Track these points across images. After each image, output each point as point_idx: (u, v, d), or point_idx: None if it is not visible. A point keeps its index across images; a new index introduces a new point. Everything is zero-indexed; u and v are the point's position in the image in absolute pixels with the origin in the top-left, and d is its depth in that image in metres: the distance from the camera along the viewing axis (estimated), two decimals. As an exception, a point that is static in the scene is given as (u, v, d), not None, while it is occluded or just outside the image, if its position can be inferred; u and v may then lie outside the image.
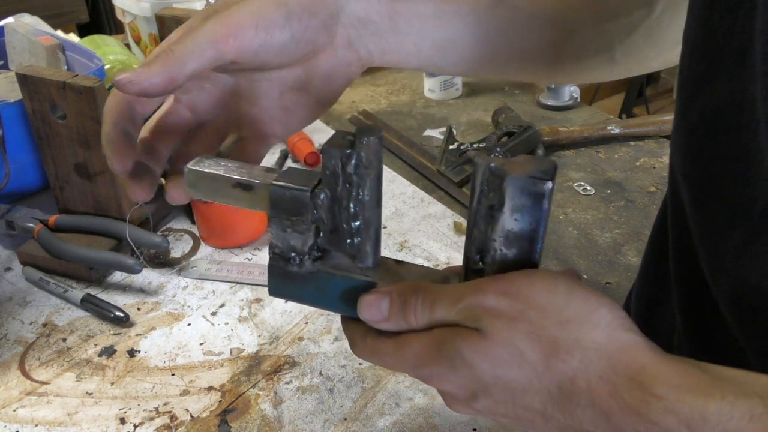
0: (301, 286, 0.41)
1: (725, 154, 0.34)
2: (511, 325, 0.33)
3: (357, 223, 0.38)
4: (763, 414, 0.28)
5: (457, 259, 0.83)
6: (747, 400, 0.29)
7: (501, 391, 0.34)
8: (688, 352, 0.43)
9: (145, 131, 0.46)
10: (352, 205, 0.37)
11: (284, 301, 0.78)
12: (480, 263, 0.36)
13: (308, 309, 0.77)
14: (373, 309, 0.37)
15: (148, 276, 0.83)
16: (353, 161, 0.36)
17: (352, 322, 0.41)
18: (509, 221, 0.35)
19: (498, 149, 0.35)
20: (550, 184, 0.33)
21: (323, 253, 0.41)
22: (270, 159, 1.06)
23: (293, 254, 0.40)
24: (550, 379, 0.33)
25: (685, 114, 0.37)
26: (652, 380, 0.30)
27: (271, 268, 0.41)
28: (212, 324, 0.76)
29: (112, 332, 0.75)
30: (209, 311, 0.78)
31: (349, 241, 0.39)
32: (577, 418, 0.32)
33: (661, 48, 0.49)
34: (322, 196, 0.38)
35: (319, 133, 1.12)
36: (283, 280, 0.41)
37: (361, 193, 0.37)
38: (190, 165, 0.42)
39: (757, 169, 0.32)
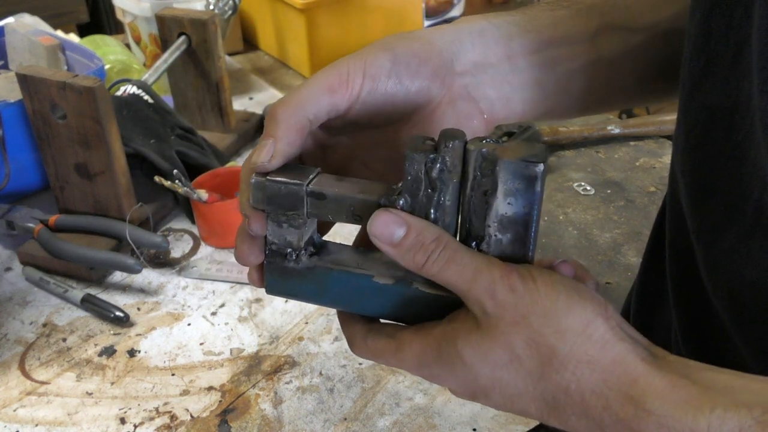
0: (299, 283, 0.41)
1: (721, 151, 0.34)
2: (512, 329, 0.33)
3: None
4: (752, 426, 0.29)
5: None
6: (736, 412, 0.29)
7: (499, 394, 0.34)
8: (685, 350, 0.43)
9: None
10: (432, 210, 0.37)
11: (284, 300, 0.78)
12: (476, 250, 0.37)
13: (308, 309, 0.77)
14: (387, 228, 0.36)
15: (148, 276, 0.83)
16: (438, 165, 0.36)
17: (351, 321, 0.40)
18: (503, 205, 0.35)
19: (489, 137, 0.35)
20: (542, 166, 0.34)
21: (320, 248, 0.41)
22: (270, 159, 1.06)
23: (289, 250, 0.40)
24: (545, 388, 0.33)
25: (684, 111, 0.37)
26: (644, 395, 0.31)
27: (268, 265, 0.41)
28: (212, 324, 0.76)
29: (112, 332, 0.75)
30: (209, 311, 0.78)
31: None
32: (572, 426, 0.33)
33: None
34: (401, 202, 0.37)
35: (319, 133, 1.12)
36: (281, 277, 0.41)
37: (443, 199, 0.37)
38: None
39: (751, 166, 0.32)
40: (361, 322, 0.40)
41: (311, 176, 0.39)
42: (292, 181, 0.38)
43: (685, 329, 0.43)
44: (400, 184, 0.37)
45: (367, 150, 0.44)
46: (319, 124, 0.40)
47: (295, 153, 0.39)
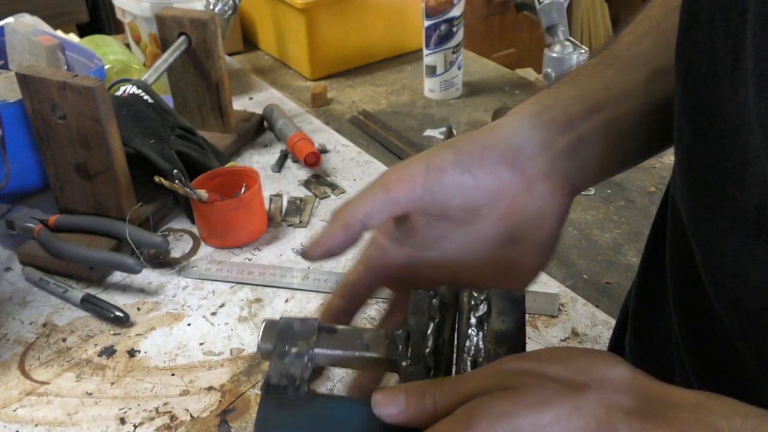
0: (298, 414, 0.39)
1: (721, 156, 0.34)
2: (540, 377, 0.33)
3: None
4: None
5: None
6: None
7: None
8: (685, 353, 0.43)
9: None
10: (431, 337, 0.40)
11: (285, 300, 0.78)
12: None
13: (308, 309, 0.77)
14: (389, 402, 0.35)
15: (148, 276, 0.83)
16: (436, 300, 0.41)
17: None
18: (497, 323, 0.39)
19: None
20: (523, 294, 0.40)
21: (318, 377, 0.43)
22: (270, 159, 1.06)
23: (290, 382, 0.39)
24: (582, 414, 0.32)
25: (683, 116, 0.37)
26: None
27: (265, 401, 0.39)
28: (212, 324, 0.76)
29: (112, 332, 0.75)
30: (209, 311, 0.78)
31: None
32: None
33: None
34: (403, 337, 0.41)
35: (319, 132, 1.12)
36: (276, 410, 0.39)
37: (442, 327, 0.41)
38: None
39: (752, 171, 0.32)
40: None
41: (314, 330, 0.41)
42: (299, 340, 0.40)
43: (686, 332, 0.43)
44: (399, 331, 0.40)
45: (453, 267, 0.44)
46: (377, 223, 0.41)
47: (338, 250, 0.42)
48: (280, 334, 0.40)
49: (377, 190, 0.41)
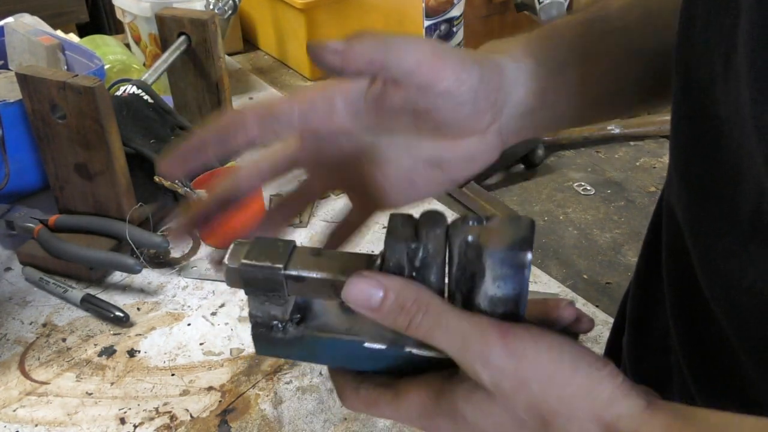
0: (288, 349, 0.39)
1: (717, 158, 0.34)
2: (513, 393, 0.32)
3: None
4: None
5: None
6: None
7: None
8: (682, 355, 0.43)
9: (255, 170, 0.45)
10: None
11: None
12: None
13: (308, 309, 0.77)
14: (362, 293, 0.34)
15: (148, 276, 0.83)
16: (420, 254, 0.34)
17: (340, 373, 0.39)
18: (492, 288, 0.34)
19: (471, 218, 0.33)
20: (529, 255, 0.33)
21: (305, 312, 0.39)
22: (270, 159, 1.06)
23: (275, 322, 0.39)
24: None
25: (679, 119, 0.37)
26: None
27: (255, 335, 0.39)
28: (212, 324, 0.76)
29: (112, 332, 0.75)
30: (209, 311, 0.78)
31: None
32: None
33: None
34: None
35: (319, 133, 1.12)
36: (268, 344, 0.39)
37: (425, 280, 0.35)
38: (227, 262, 0.38)
39: (747, 174, 0.32)
40: (352, 374, 0.38)
41: (288, 254, 0.37)
42: (268, 265, 0.36)
43: (683, 333, 0.43)
44: (379, 261, 0.35)
45: (383, 154, 0.42)
46: (401, 73, 0.38)
47: (356, 72, 0.37)
48: (248, 282, 0.37)
49: (420, 55, 0.38)
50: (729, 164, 0.33)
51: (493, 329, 0.33)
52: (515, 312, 0.34)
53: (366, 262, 0.36)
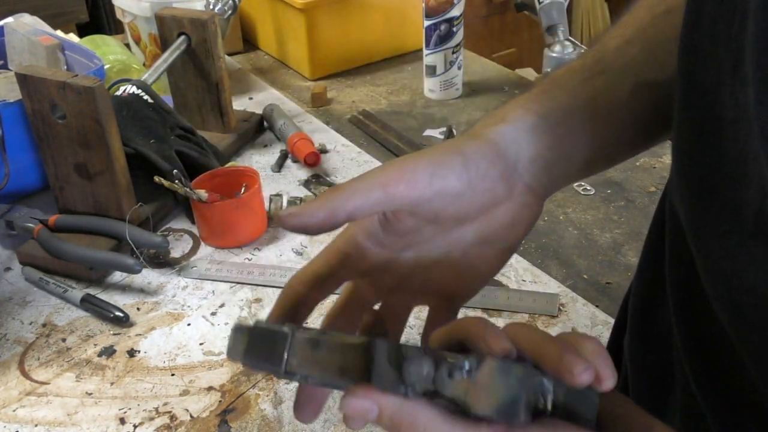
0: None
1: (721, 159, 0.34)
2: None
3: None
4: None
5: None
6: None
7: None
8: (684, 355, 0.43)
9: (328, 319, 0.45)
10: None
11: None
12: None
13: (308, 309, 0.77)
14: (359, 411, 0.34)
15: (148, 276, 0.83)
16: (406, 391, 0.33)
17: None
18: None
19: (457, 369, 0.33)
20: (522, 417, 0.32)
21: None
22: (270, 159, 1.06)
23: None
24: None
25: (682, 119, 0.37)
26: None
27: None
28: (212, 324, 0.76)
29: (111, 332, 0.75)
30: (209, 311, 0.78)
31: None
32: None
33: None
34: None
35: (319, 132, 1.12)
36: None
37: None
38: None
39: (751, 175, 0.32)
40: None
41: (286, 349, 0.35)
42: (268, 366, 0.35)
43: (685, 333, 0.43)
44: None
45: (426, 269, 0.44)
46: (364, 216, 0.40)
47: (314, 231, 0.38)
48: (250, 346, 0.36)
49: (374, 187, 0.39)
50: (733, 165, 0.33)
51: None
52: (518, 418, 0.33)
53: (363, 355, 0.35)
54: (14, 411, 0.66)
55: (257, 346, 0.36)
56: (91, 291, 0.80)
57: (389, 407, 0.33)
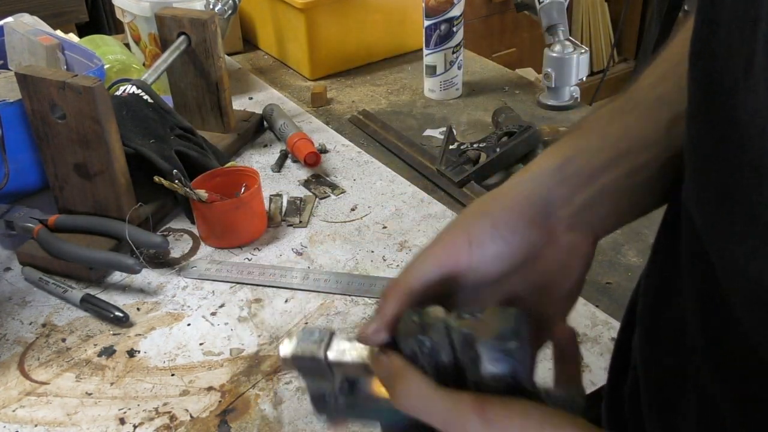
0: (341, 413, 0.46)
1: (737, 162, 0.34)
2: None
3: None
4: None
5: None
6: None
7: None
8: (703, 355, 0.43)
9: None
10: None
11: (284, 300, 0.78)
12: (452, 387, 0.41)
13: (308, 309, 0.77)
14: (384, 371, 0.42)
15: (148, 276, 0.83)
16: (426, 345, 0.41)
17: None
18: (490, 367, 0.39)
19: (465, 312, 0.42)
20: (514, 343, 0.39)
21: (354, 385, 0.45)
22: (270, 159, 1.06)
23: (327, 393, 0.45)
24: None
25: (702, 123, 0.37)
26: None
27: (314, 405, 0.46)
28: (212, 324, 0.76)
29: (111, 332, 0.75)
30: (209, 311, 0.78)
31: None
32: None
33: None
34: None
35: (319, 132, 1.12)
36: (324, 411, 0.47)
37: (437, 363, 0.41)
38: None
39: (767, 176, 0.32)
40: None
41: (327, 343, 0.44)
42: (310, 356, 0.44)
43: (702, 332, 0.43)
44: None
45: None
46: (428, 292, 0.44)
47: (393, 323, 0.43)
48: (300, 369, 0.45)
49: (429, 264, 0.43)
50: (750, 168, 0.33)
51: (470, 404, 0.38)
52: (515, 385, 0.40)
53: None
54: (14, 411, 0.66)
55: (303, 343, 0.45)
56: (91, 291, 0.80)
57: (394, 363, 0.41)
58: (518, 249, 0.44)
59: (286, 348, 0.44)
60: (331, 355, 0.43)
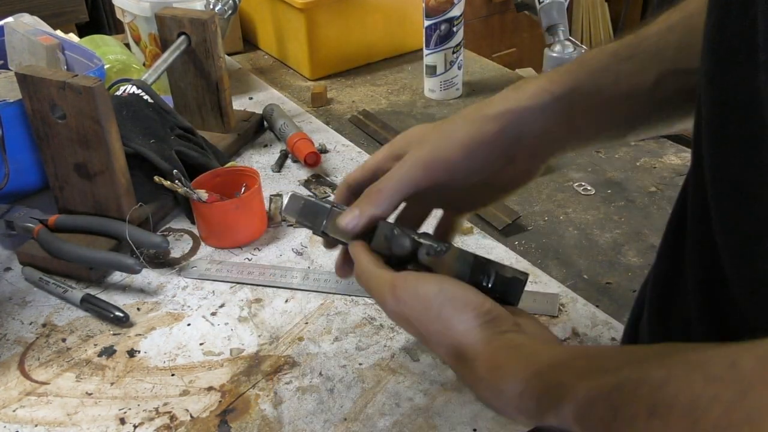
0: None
1: (756, 161, 0.34)
2: (405, 327, 0.50)
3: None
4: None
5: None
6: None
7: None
8: (705, 340, 0.43)
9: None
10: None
11: (284, 301, 0.78)
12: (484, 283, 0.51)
13: (308, 309, 0.77)
14: (348, 220, 0.53)
15: (148, 276, 0.83)
16: (393, 247, 0.54)
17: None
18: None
19: (430, 250, 0.53)
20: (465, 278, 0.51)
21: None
22: (270, 159, 1.06)
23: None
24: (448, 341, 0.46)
25: (721, 121, 0.37)
26: (472, 358, 0.44)
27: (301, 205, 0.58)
28: (212, 324, 0.76)
29: (111, 332, 0.75)
30: (209, 311, 0.78)
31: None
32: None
33: None
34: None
35: (319, 132, 1.12)
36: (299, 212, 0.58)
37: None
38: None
39: None
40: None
41: (324, 217, 0.57)
42: (310, 224, 0.58)
43: (705, 320, 0.43)
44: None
45: (450, 189, 0.56)
46: (416, 189, 0.53)
47: (381, 216, 0.53)
48: (302, 210, 0.58)
49: (417, 170, 0.52)
50: (753, 152, 0.33)
51: (388, 283, 0.49)
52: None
53: (372, 228, 0.54)
54: (14, 411, 0.66)
55: (307, 211, 0.57)
56: (91, 291, 0.80)
57: (358, 245, 0.53)
58: (489, 167, 0.53)
59: (294, 207, 0.58)
60: (328, 228, 0.56)
